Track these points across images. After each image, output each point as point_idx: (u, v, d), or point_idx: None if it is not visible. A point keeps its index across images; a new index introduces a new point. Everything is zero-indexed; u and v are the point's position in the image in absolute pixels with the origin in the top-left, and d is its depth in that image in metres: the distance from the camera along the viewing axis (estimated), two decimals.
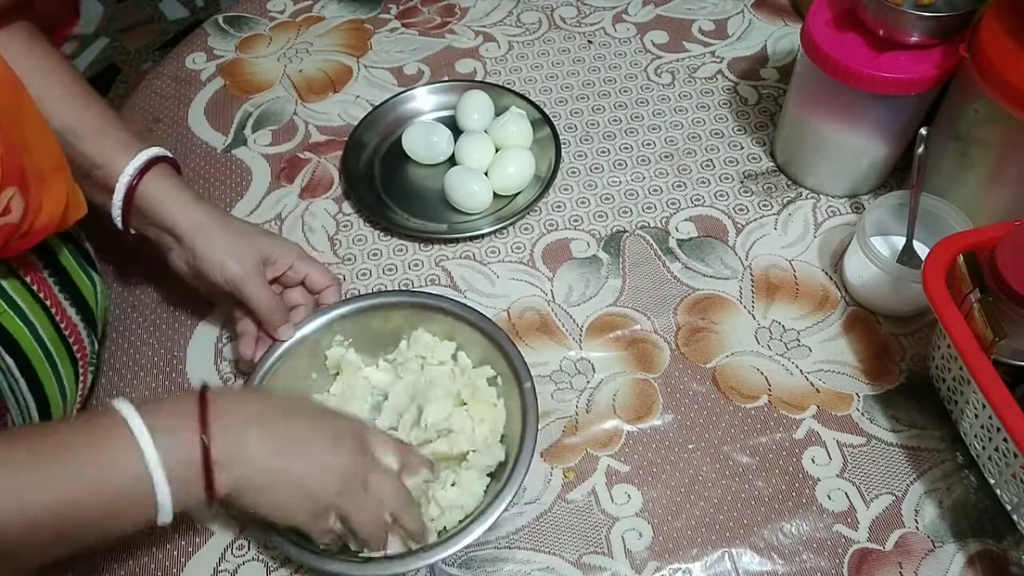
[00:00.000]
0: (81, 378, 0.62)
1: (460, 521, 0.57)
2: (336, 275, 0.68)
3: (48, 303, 0.59)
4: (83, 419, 0.58)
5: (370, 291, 0.72)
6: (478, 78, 0.90)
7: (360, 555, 0.55)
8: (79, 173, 0.59)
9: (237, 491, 0.49)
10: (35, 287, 0.59)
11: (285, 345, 0.63)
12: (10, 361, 0.55)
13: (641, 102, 0.87)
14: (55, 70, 0.61)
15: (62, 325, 0.60)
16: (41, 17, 0.62)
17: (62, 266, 0.62)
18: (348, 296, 0.71)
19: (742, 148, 0.82)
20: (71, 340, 0.61)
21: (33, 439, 0.46)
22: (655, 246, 0.75)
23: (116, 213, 0.61)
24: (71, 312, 0.61)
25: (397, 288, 0.73)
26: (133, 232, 0.63)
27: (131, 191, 0.60)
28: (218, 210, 0.64)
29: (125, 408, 0.47)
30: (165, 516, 0.47)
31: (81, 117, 0.60)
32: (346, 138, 0.82)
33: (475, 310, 0.65)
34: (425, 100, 0.86)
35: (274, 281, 0.65)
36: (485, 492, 0.58)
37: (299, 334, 0.64)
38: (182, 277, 0.64)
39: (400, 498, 0.54)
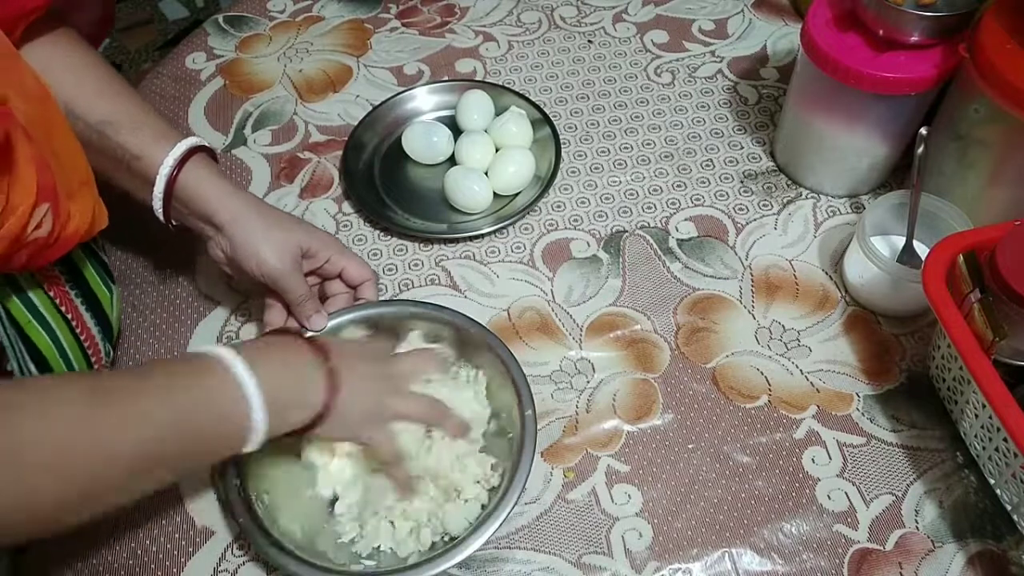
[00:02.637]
0: None
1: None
2: (374, 269, 0.67)
3: (69, 315, 0.60)
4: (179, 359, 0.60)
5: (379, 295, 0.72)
6: (478, 78, 0.90)
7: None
8: (119, 167, 0.60)
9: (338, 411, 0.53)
10: (57, 300, 0.60)
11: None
12: (35, 370, 0.57)
13: (641, 102, 0.87)
14: (91, 65, 0.61)
15: (80, 334, 0.61)
16: (78, 25, 0.63)
17: (84, 278, 0.63)
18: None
19: (742, 148, 0.82)
20: (88, 348, 0.62)
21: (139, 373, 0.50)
22: (655, 246, 0.75)
23: (157, 205, 0.61)
24: (89, 321, 0.62)
25: (398, 290, 0.73)
26: (174, 224, 0.63)
27: (171, 182, 0.60)
28: (257, 200, 0.63)
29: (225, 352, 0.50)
30: (254, 444, 0.50)
31: (118, 109, 0.60)
32: (346, 138, 0.82)
33: (483, 326, 0.64)
34: (425, 100, 0.86)
35: (311, 273, 0.65)
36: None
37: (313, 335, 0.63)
38: (218, 264, 0.64)
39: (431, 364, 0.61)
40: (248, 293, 0.72)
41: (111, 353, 0.65)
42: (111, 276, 0.67)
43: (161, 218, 0.62)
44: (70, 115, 0.58)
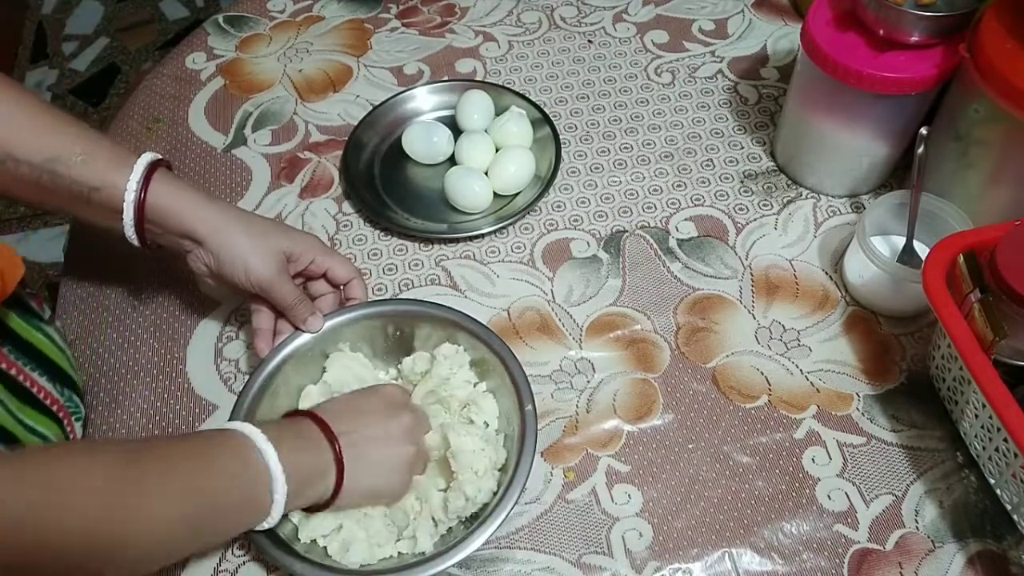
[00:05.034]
0: (70, 433, 0.62)
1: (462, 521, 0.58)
2: (362, 269, 0.67)
3: (12, 372, 0.58)
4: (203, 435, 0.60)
5: (373, 293, 0.72)
6: (478, 78, 0.90)
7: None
8: (77, 201, 0.57)
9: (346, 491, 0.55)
10: (12, 371, 0.58)
11: (290, 347, 0.63)
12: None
13: (641, 102, 0.87)
14: (20, 102, 0.56)
15: (33, 390, 0.59)
16: None
17: (12, 331, 0.61)
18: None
19: (742, 148, 0.82)
20: (47, 402, 0.60)
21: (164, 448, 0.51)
22: (655, 246, 0.75)
23: (130, 233, 0.58)
24: (35, 375, 0.60)
25: (398, 290, 0.73)
26: (149, 245, 0.61)
27: (140, 205, 0.57)
28: (233, 209, 0.61)
29: (247, 428, 0.52)
30: (274, 517, 0.52)
31: (63, 143, 0.56)
32: (346, 138, 0.82)
33: (484, 325, 0.64)
34: (425, 100, 0.86)
35: (296, 275, 0.64)
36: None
37: (307, 337, 0.63)
38: (200, 276, 0.63)
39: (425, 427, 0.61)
40: (222, 299, 0.72)
41: (74, 399, 0.63)
42: (41, 318, 0.64)
43: (136, 243, 0.59)
44: (8, 159, 0.55)
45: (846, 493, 0.61)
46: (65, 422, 0.61)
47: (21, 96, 0.57)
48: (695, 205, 0.78)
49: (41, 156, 0.55)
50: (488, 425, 0.61)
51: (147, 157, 0.58)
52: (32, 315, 0.64)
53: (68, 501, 0.42)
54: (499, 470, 0.59)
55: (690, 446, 0.63)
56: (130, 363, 0.70)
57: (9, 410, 0.57)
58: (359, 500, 0.56)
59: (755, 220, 0.76)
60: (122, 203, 0.57)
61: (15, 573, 0.41)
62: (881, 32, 0.65)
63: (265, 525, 0.52)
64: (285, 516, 0.54)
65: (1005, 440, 0.54)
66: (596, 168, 0.81)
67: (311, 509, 0.56)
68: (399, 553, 0.57)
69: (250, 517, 0.51)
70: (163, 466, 0.47)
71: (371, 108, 0.85)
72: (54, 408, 0.61)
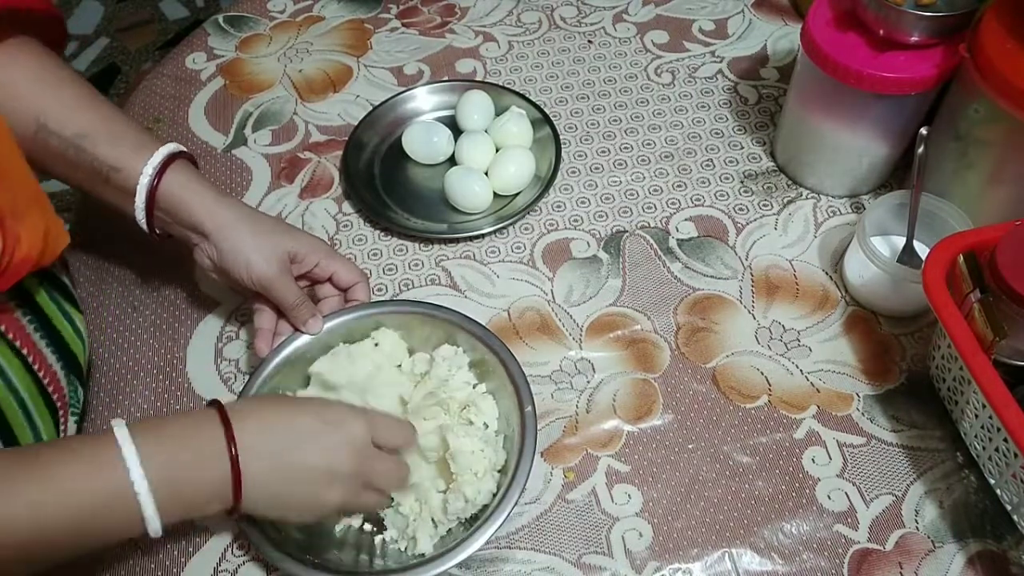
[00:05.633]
0: (62, 427, 0.61)
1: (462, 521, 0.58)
2: (364, 271, 0.67)
3: (24, 350, 0.58)
4: (76, 440, 0.57)
5: (373, 293, 0.71)
6: (478, 78, 0.90)
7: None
8: (97, 179, 0.59)
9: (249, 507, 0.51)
10: (11, 335, 0.57)
11: (290, 348, 0.63)
12: None
13: (641, 102, 0.87)
14: (63, 78, 0.60)
15: (40, 372, 0.59)
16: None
17: (40, 308, 0.61)
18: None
19: (742, 148, 0.82)
20: (50, 388, 0.59)
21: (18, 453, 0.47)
22: (655, 246, 0.75)
23: (140, 216, 0.60)
24: (51, 358, 0.60)
25: (399, 290, 0.73)
26: (158, 233, 0.62)
27: (152, 192, 0.59)
28: (242, 206, 0.62)
29: (119, 429, 0.47)
30: (154, 529, 0.47)
31: (93, 121, 0.59)
32: (346, 138, 0.82)
33: (484, 326, 0.64)
34: (425, 100, 0.86)
35: (301, 277, 0.64)
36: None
37: (307, 339, 0.63)
38: (205, 272, 0.63)
39: (400, 479, 0.56)
40: (246, 293, 0.72)
41: (79, 392, 0.63)
42: (75, 303, 0.65)
43: (145, 228, 0.61)
44: (42, 130, 0.57)
45: (846, 493, 0.61)
46: (60, 413, 0.61)
47: (67, 74, 0.60)
48: (695, 205, 0.78)
49: (71, 130, 0.58)
50: (488, 426, 0.61)
51: (170, 147, 0.60)
52: (64, 298, 0.64)
53: None
54: (499, 471, 0.59)
55: (690, 446, 0.63)
56: (130, 363, 0.70)
57: (12, 387, 0.57)
58: (267, 509, 0.52)
59: (755, 220, 0.76)
60: (135, 187, 0.59)
61: None
62: (881, 32, 0.65)
63: (151, 534, 0.47)
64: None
65: (1005, 440, 0.54)
66: (596, 168, 0.81)
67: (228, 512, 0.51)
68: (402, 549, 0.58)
69: (115, 526, 0.47)
70: (19, 478, 0.44)
71: (371, 108, 0.85)
72: (55, 397, 0.60)
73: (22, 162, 0.54)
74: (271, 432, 0.51)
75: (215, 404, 0.51)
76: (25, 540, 0.44)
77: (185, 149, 0.62)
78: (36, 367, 0.59)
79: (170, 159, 0.60)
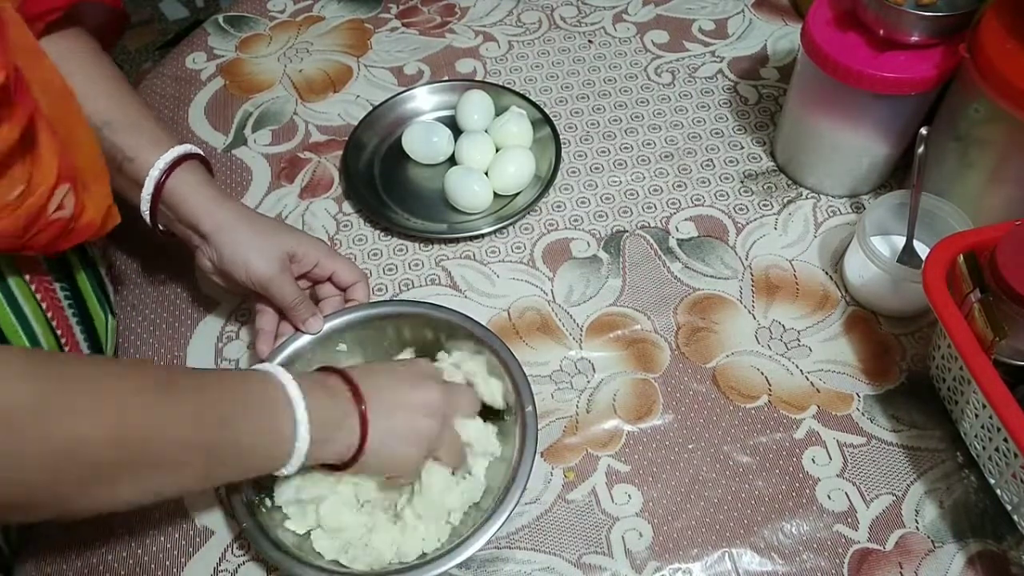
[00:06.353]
0: None
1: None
2: (364, 270, 0.67)
3: (59, 332, 0.60)
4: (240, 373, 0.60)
5: (373, 293, 0.71)
6: (478, 78, 0.90)
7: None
8: (112, 166, 0.60)
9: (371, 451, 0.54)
10: (54, 323, 0.59)
11: (290, 348, 0.63)
12: None
13: (641, 102, 0.87)
14: (99, 66, 0.62)
15: (66, 347, 0.60)
16: (91, 28, 0.64)
17: (81, 297, 0.63)
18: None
19: (742, 148, 0.82)
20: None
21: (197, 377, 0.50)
22: (655, 246, 0.75)
23: (145, 208, 0.61)
24: (84, 345, 0.62)
25: (399, 290, 0.73)
26: (162, 229, 0.63)
27: (159, 187, 0.60)
28: (243, 208, 0.63)
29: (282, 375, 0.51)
30: (292, 466, 0.51)
31: (118, 110, 0.61)
32: (346, 138, 0.82)
33: (484, 326, 0.63)
34: (425, 100, 0.86)
35: (301, 277, 0.64)
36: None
37: (307, 339, 0.63)
38: (206, 273, 0.64)
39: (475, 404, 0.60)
40: (246, 294, 0.72)
41: None
42: (110, 303, 0.66)
43: (148, 221, 0.62)
44: None
45: (846, 493, 0.61)
46: None
47: (105, 62, 0.63)
48: (695, 205, 0.78)
49: (98, 117, 0.59)
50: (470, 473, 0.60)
51: (185, 147, 0.62)
52: (103, 291, 0.66)
53: (113, 401, 0.42)
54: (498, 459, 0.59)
55: (690, 446, 0.63)
56: None
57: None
58: (378, 466, 0.55)
59: (755, 220, 0.76)
60: (145, 179, 0.60)
61: (57, 466, 0.41)
62: (881, 32, 0.65)
63: (283, 471, 0.51)
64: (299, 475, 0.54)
65: (1005, 440, 0.54)
66: (596, 168, 0.81)
67: (332, 469, 0.54)
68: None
69: (267, 460, 0.50)
70: (193, 393, 0.47)
71: (371, 108, 0.85)
72: None
73: (92, 139, 0.57)
74: (380, 390, 0.55)
75: (332, 371, 0.55)
76: (187, 441, 0.46)
77: (202, 153, 0.63)
78: (63, 340, 0.60)
79: (184, 158, 0.61)
